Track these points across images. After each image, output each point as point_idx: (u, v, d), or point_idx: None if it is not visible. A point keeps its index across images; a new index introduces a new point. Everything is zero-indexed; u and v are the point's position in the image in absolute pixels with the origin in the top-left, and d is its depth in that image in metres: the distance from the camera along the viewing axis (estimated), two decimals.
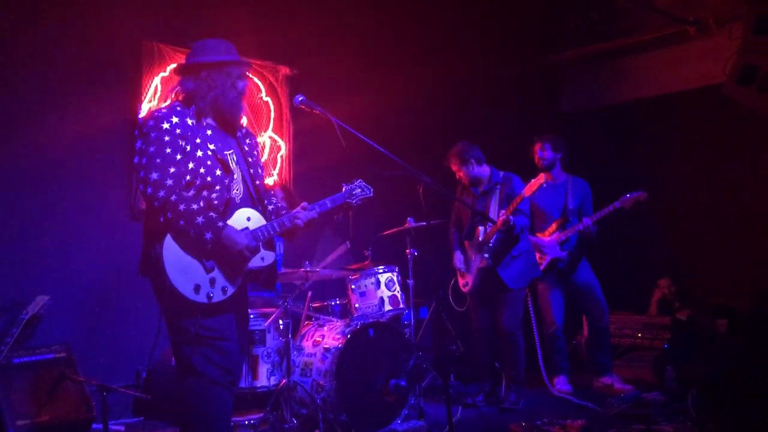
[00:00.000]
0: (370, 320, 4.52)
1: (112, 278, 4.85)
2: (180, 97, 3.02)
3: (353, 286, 4.79)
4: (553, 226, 5.43)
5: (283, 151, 5.95)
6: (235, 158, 3.04)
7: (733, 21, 6.11)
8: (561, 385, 5.37)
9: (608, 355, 5.45)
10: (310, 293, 4.71)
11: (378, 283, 4.75)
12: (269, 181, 5.74)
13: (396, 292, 4.78)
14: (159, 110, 2.94)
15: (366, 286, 4.76)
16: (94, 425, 4.15)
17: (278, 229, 3.04)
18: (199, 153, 2.90)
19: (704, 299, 6.42)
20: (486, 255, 4.88)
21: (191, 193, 2.85)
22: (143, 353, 4.44)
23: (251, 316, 4.24)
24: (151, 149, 2.82)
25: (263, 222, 3.04)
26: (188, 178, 2.85)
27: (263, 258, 3.02)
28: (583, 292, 5.47)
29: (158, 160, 2.81)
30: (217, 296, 2.87)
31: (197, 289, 2.82)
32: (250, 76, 5.66)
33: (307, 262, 4.47)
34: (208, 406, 2.86)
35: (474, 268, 5.00)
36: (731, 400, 4.63)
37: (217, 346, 2.87)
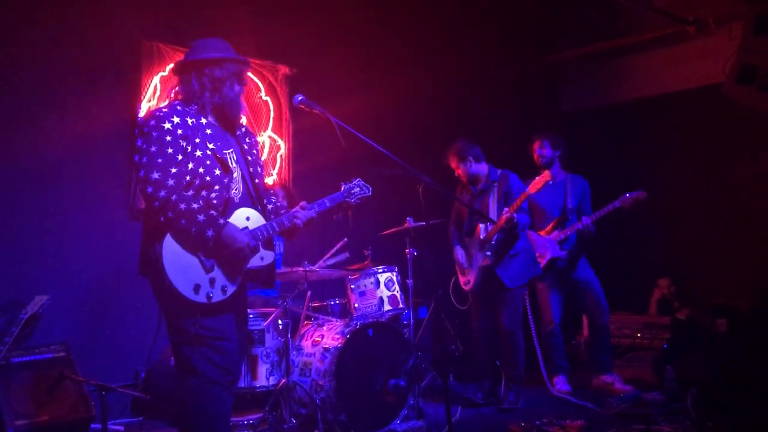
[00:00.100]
0: (370, 320, 4.52)
1: (111, 278, 4.85)
2: (180, 96, 3.02)
3: (352, 286, 4.78)
4: (552, 224, 5.43)
5: (282, 150, 5.95)
6: (234, 157, 3.04)
7: (733, 20, 6.11)
8: (560, 384, 5.37)
9: (609, 354, 5.46)
10: (309, 293, 4.71)
11: (377, 282, 4.75)
12: (269, 180, 5.74)
13: (395, 292, 4.78)
14: (160, 110, 2.94)
15: (365, 285, 4.76)
16: (93, 425, 4.15)
17: (277, 229, 3.04)
18: (199, 153, 2.90)
19: (704, 299, 6.42)
20: (488, 253, 4.88)
21: (190, 192, 2.85)
22: (142, 353, 4.43)
23: (250, 315, 4.24)
24: (153, 149, 2.82)
25: (263, 221, 3.03)
26: (188, 178, 2.85)
27: (263, 257, 3.02)
28: (583, 291, 5.47)
29: (160, 160, 2.81)
30: (217, 296, 2.87)
31: (197, 288, 2.82)
32: (250, 75, 5.68)
33: (306, 262, 4.46)
34: (208, 406, 2.86)
35: (476, 266, 4.99)
36: (731, 399, 4.63)
37: (216, 345, 2.87)
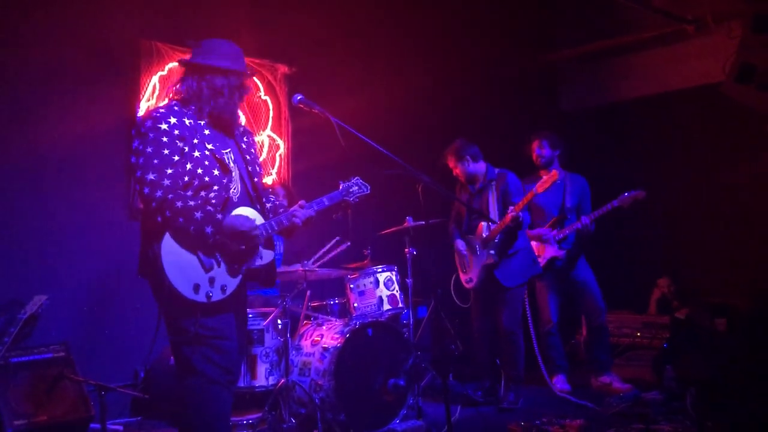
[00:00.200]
0: (369, 319, 4.52)
1: (110, 277, 4.85)
2: (178, 96, 3.01)
3: (352, 286, 4.78)
4: (551, 223, 5.43)
5: (281, 150, 5.94)
6: (232, 157, 3.04)
7: (732, 19, 6.12)
8: (560, 384, 5.37)
9: (607, 353, 5.46)
10: (308, 292, 4.71)
11: (377, 282, 4.75)
12: (268, 180, 5.73)
13: (395, 292, 4.78)
14: (157, 110, 2.93)
15: (365, 285, 4.75)
16: (92, 425, 4.15)
17: (276, 228, 3.04)
18: (197, 153, 2.89)
19: (703, 298, 6.42)
20: (492, 252, 4.89)
21: (189, 193, 2.85)
22: (142, 353, 4.43)
23: (250, 315, 4.24)
24: (149, 149, 2.81)
25: (261, 220, 3.03)
26: (186, 178, 2.85)
27: (262, 256, 3.02)
28: (581, 291, 5.47)
29: (156, 161, 2.80)
30: (217, 295, 2.86)
31: (196, 288, 2.81)
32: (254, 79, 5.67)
33: (305, 261, 4.46)
34: (208, 406, 2.86)
35: (479, 264, 4.99)
36: (730, 399, 4.64)
37: (216, 345, 2.87)
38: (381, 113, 5.97)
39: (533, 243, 5.30)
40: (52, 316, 4.31)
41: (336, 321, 4.69)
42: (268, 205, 3.14)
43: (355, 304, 4.74)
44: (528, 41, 7.35)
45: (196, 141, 2.91)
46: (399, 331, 4.57)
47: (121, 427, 4.46)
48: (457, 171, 5.10)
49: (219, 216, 2.84)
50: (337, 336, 4.36)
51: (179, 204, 2.78)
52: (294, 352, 4.52)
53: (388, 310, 4.71)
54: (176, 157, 2.84)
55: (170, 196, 2.78)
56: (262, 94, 5.82)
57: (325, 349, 4.33)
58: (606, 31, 7.07)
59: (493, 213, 4.92)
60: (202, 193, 2.87)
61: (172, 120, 2.88)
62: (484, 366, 5.20)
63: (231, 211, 2.95)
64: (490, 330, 5.09)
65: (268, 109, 5.87)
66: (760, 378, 4.79)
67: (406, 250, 5.02)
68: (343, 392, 4.16)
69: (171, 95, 3.05)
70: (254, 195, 3.09)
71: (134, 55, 5.11)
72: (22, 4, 4.64)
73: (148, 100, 5.15)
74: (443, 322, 5.67)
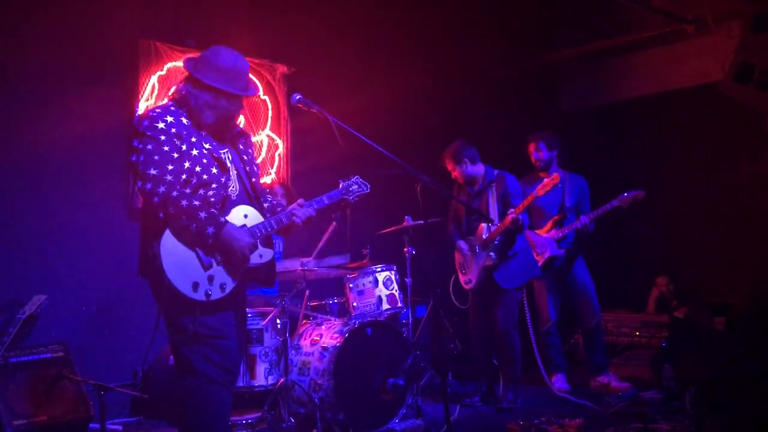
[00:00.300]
0: (368, 319, 4.52)
1: (109, 277, 4.85)
2: (176, 97, 3.01)
3: (351, 285, 4.78)
4: (551, 223, 5.44)
5: (280, 149, 5.95)
6: (230, 157, 3.04)
7: (732, 19, 6.12)
8: (559, 383, 5.37)
9: (602, 355, 5.45)
10: (307, 292, 4.71)
11: (376, 281, 4.75)
12: (267, 179, 5.74)
13: (394, 291, 4.78)
14: (154, 110, 2.94)
15: (364, 284, 4.75)
16: (91, 425, 4.15)
17: (276, 227, 3.04)
18: (195, 151, 2.90)
19: (702, 298, 6.43)
20: (492, 254, 4.89)
21: (188, 191, 2.85)
22: (141, 352, 4.40)
23: (249, 315, 4.24)
24: (149, 147, 2.82)
25: (260, 219, 3.03)
26: (185, 176, 2.85)
27: (261, 255, 3.02)
28: (577, 293, 5.47)
29: (156, 157, 2.80)
30: (216, 294, 2.86)
31: (195, 286, 2.81)
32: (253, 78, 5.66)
33: (303, 260, 4.46)
34: (207, 405, 2.86)
35: (479, 265, 4.99)
36: (729, 398, 4.63)
37: (215, 344, 2.87)
38: (380, 113, 5.97)
39: (532, 242, 5.30)
40: (52, 316, 4.31)
41: (335, 320, 4.69)
42: (266, 205, 3.15)
43: (354, 304, 4.74)
44: (528, 41, 7.35)
45: (193, 139, 2.91)
46: (398, 331, 4.57)
47: (120, 427, 4.46)
48: (456, 174, 5.09)
49: (222, 219, 2.85)
50: (336, 335, 4.36)
51: (184, 202, 2.78)
52: (293, 351, 4.52)
53: (387, 309, 4.71)
54: (175, 154, 2.84)
55: (174, 193, 2.78)
56: (261, 93, 5.82)
57: (325, 349, 4.33)
58: (606, 31, 7.07)
59: (493, 215, 4.91)
60: (201, 192, 2.87)
61: (169, 119, 2.88)
62: (481, 366, 5.20)
63: (230, 210, 2.96)
64: (487, 331, 5.09)
65: (267, 109, 5.88)
66: (759, 377, 4.79)
67: (405, 249, 5.02)
68: (342, 391, 4.16)
69: (169, 95, 3.05)
70: (253, 194, 3.09)
71: (133, 54, 5.12)
72: (22, 4, 4.65)
73: (147, 100, 5.15)
74: (442, 322, 5.67)
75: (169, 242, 2.80)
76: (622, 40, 7.00)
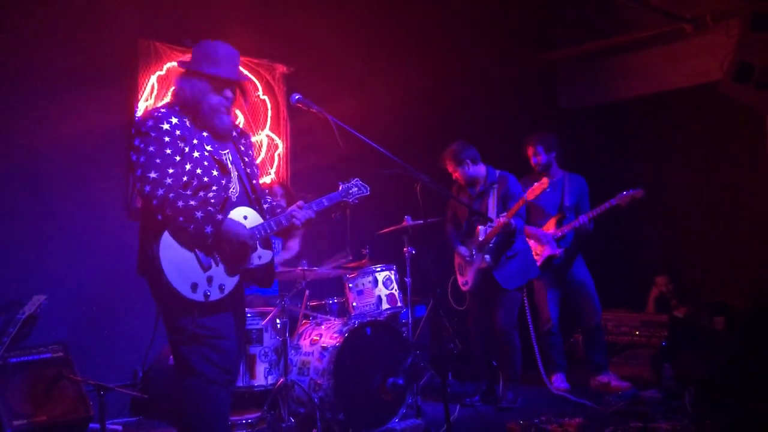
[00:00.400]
0: (368, 319, 4.52)
1: (109, 277, 4.85)
2: (176, 97, 3.01)
3: (351, 285, 4.78)
4: (550, 222, 5.44)
5: (280, 149, 5.95)
6: (230, 158, 3.04)
7: (730, 18, 6.12)
8: (558, 383, 5.38)
9: (602, 354, 5.45)
10: (307, 292, 4.71)
11: (375, 281, 4.74)
12: (267, 179, 5.74)
13: (393, 291, 4.78)
14: (158, 110, 2.93)
15: (363, 284, 4.75)
16: (91, 425, 4.15)
17: (275, 228, 3.04)
18: (196, 154, 2.90)
19: (702, 297, 6.43)
20: (487, 256, 4.88)
21: (188, 192, 2.85)
22: (141, 352, 4.43)
23: (248, 315, 4.24)
24: (151, 148, 2.82)
25: (260, 220, 3.03)
26: (185, 178, 2.85)
27: (260, 256, 3.02)
28: (577, 292, 5.47)
29: (158, 160, 2.80)
30: (215, 294, 2.86)
31: (194, 287, 2.81)
32: (247, 74, 5.67)
33: (304, 261, 4.46)
34: (207, 406, 2.86)
35: (474, 267, 4.99)
36: (728, 397, 4.64)
37: (215, 344, 2.87)
38: (380, 113, 5.97)
39: (531, 242, 5.30)
40: (51, 316, 4.31)
41: (335, 320, 4.69)
42: (266, 206, 3.15)
43: (354, 304, 4.74)
44: (528, 41, 7.35)
45: (195, 142, 2.91)
46: (398, 331, 4.57)
47: (120, 427, 4.46)
48: (457, 175, 5.08)
49: (219, 217, 2.85)
50: (335, 335, 4.36)
51: (180, 203, 2.78)
52: (293, 351, 4.52)
53: (386, 309, 4.72)
54: (178, 157, 2.84)
55: (171, 195, 2.78)
56: (260, 93, 5.82)
57: (324, 349, 4.33)
58: (605, 31, 7.08)
59: (493, 216, 4.91)
60: (201, 193, 2.88)
61: (174, 120, 2.89)
62: (481, 367, 5.21)
63: (230, 211, 2.95)
64: (487, 331, 5.09)
65: (267, 109, 5.87)
66: (759, 377, 4.80)
67: (405, 249, 5.02)
68: (342, 391, 4.16)
69: (171, 98, 3.05)
70: (253, 196, 3.09)
71: (133, 55, 5.11)
72: (22, 5, 4.64)
73: (147, 100, 5.15)
74: (442, 321, 5.67)
75: (168, 243, 2.80)
76: (621, 40, 7.00)
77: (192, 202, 2.81)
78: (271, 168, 5.88)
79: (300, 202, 3.13)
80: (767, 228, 6.28)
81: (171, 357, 3.07)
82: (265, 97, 5.86)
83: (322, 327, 4.59)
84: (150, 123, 2.86)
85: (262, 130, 5.84)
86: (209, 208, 2.84)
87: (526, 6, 7.07)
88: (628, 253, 6.95)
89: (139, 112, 5.01)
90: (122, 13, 5.03)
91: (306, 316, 4.82)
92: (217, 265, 2.89)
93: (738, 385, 4.80)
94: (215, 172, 2.93)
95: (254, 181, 3.11)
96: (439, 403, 4.68)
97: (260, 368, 4.35)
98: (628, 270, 6.79)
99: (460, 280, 5.19)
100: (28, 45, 4.66)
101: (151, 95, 5.17)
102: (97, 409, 3.86)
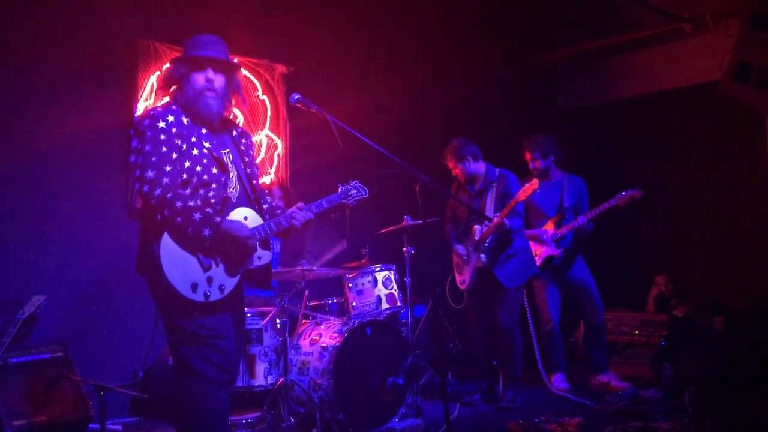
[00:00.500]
0: (368, 318, 4.52)
1: (109, 277, 4.85)
2: (173, 94, 3.03)
3: (350, 285, 4.79)
4: (549, 223, 5.44)
5: (279, 149, 5.95)
6: (231, 157, 3.04)
7: (730, 17, 6.12)
8: (558, 382, 5.38)
9: (603, 353, 5.46)
10: (307, 292, 4.71)
11: (375, 281, 4.75)
12: (266, 179, 5.74)
13: (393, 291, 4.78)
14: (154, 109, 2.94)
15: (363, 284, 4.76)
16: (91, 425, 4.15)
17: (275, 229, 3.04)
18: (195, 151, 2.90)
19: (701, 297, 6.43)
20: (483, 255, 4.88)
21: (188, 191, 2.85)
22: (140, 352, 4.43)
23: (248, 315, 4.24)
24: (147, 147, 2.82)
25: (260, 221, 3.04)
26: (185, 176, 2.85)
27: (260, 257, 3.02)
28: (579, 291, 5.47)
29: (154, 159, 2.81)
30: (215, 295, 2.87)
31: (194, 287, 2.81)
32: (247, 74, 5.67)
33: (303, 261, 4.46)
34: (206, 406, 2.86)
35: (470, 266, 5.00)
36: (728, 397, 4.65)
37: (214, 344, 2.87)
38: (380, 113, 5.97)
39: (530, 242, 5.30)
40: (51, 316, 4.32)
41: (334, 320, 4.69)
42: (265, 207, 3.15)
43: (354, 303, 4.74)
44: (528, 41, 7.34)
45: (194, 139, 2.91)
46: (397, 330, 4.57)
47: (120, 427, 4.46)
48: (457, 171, 5.09)
49: (218, 219, 2.85)
50: (335, 335, 4.36)
51: (178, 204, 2.78)
52: (292, 351, 4.52)
53: (386, 309, 4.72)
54: (174, 155, 2.85)
55: (169, 195, 2.78)
56: (260, 93, 5.83)
57: (324, 348, 4.34)
58: (605, 31, 7.07)
59: (490, 214, 4.91)
60: (201, 191, 2.88)
61: (170, 118, 2.89)
62: (481, 365, 5.21)
63: (230, 211, 2.96)
64: (488, 329, 5.09)
65: (266, 109, 5.88)
66: (759, 377, 4.80)
67: (405, 249, 5.03)
68: (341, 391, 4.16)
69: (169, 97, 3.06)
70: (253, 196, 3.09)
71: (132, 54, 5.12)
72: (22, 5, 4.65)
73: (146, 100, 5.15)
74: (441, 321, 5.67)
75: (168, 243, 2.81)
76: (621, 40, 7.00)
77: (190, 203, 2.81)
78: (271, 168, 5.88)
79: (300, 204, 3.13)
80: (767, 228, 6.27)
81: (171, 357, 3.07)
82: (265, 97, 5.86)
83: (322, 327, 4.59)
84: (146, 122, 2.87)
85: (262, 130, 5.84)
86: (208, 209, 2.84)
87: (526, 6, 7.07)
88: (628, 253, 6.94)
89: (139, 112, 5.01)
90: (122, 13, 5.03)
91: (306, 316, 4.82)
92: (218, 266, 2.89)
93: (738, 385, 4.80)
94: (214, 170, 2.93)
95: (254, 182, 3.11)
96: (438, 403, 4.68)
97: (260, 368, 4.35)
98: (627, 270, 6.78)
99: (458, 278, 5.19)
100: (28, 45, 4.66)
101: (150, 95, 5.17)
102: (96, 409, 3.86)
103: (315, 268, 4.50)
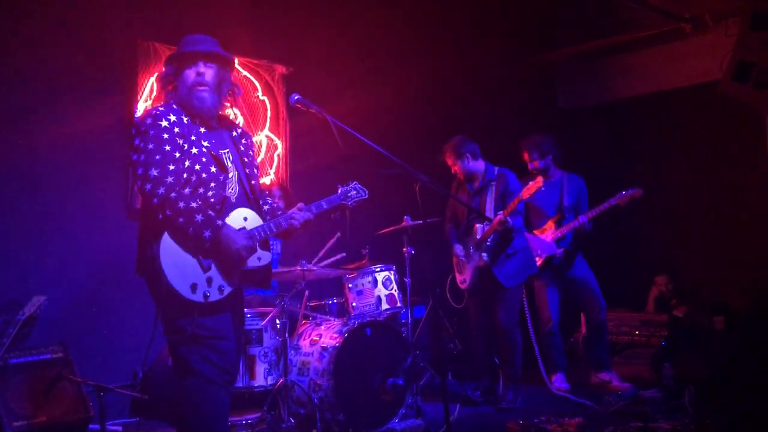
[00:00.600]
0: (368, 319, 4.52)
1: (109, 278, 4.85)
2: (173, 94, 3.03)
3: (350, 285, 4.79)
4: (549, 223, 5.44)
5: (279, 150, 5.95)
6: (231, 157, 3.04)
7: (730, 17, 6.12)
8: (559, 382, 5.38)
9: (606, 351, 5.46)
10: (307, 292, 4.71)
11: (375, 281, 4.75)
12: (266, 180, 5.74)
13: (393, 291, 4.78)
14: (156, 108, 2.95)
15: (363, 284, 4.76)
16: (91, 426, 4.15)
17: (275, 230, 3.04)
18: (195, 150, 2.90)
19: (701, 297, 6.43)
20: (484, 254, 4.88)
21: (187, 190, 2.85)
22: (140, 353, 4.41)
23: (248, 315, 4.24)
24: (150, 146, 2.82)
25: (260, 222, 3.04)
26: (185, 175, 2.86)
27: (260, 258, 3.02)
28: (580, 289, 5.48)
29: (158, 157, 2.81)
30: (214, 295, 2.87)
31: (194, 288, 2.82)
32: (246, 74, 5.67)
33: (303, 261, 4.46)
34: (206, 406, 2.86)
35: (472, 266, 5.00)
36: (728, 397, 4.65)
37: (214, 345, 2.87)
38: (380, 113, 5.97)
39: (530, 242, 5.30)
40: (51, 317, 4.31)
41: (334, 320, 4.69)
42: (265, 207, 3.15)
43: (354, 304, 4.74)
44: (528, 41, 7.34)
45: (193, 138, 2.92)
46: (397, 331, 4.57)
47: (120, 428, 4.46)
48: (456, 168, 5.09)
49: (219, 222, 2.85)
50: (335, 335, 4.36)
51: (181, 204, 2.78)
52: (292, 351, 4.52)
53: (386, 309, 4.72)
54: (177, 154, 2.85)
55: (173, 194, 2.78)
56: (259, 94, 5.83)
57: (324, 349, 4.33)
58: (605, 31, 7.07)
59: (490, 213, 4.91)
60: (200, 190, 2.88)
61: (172, 117, 2.89)
62: (482, 365, 5.21)
63: (230, 212, 2.96)
64: (488, 329, 5.09)
65: (266, 109, 5.88)
66: (759, 377, 4.80)
67: (405, 249, 5.02)
68: (341, 392, 4.16)
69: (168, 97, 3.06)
70: (252, 197, 3.09)
71: (132, 55, 5.12)
72: (21, 5, 4.65)
73: (146, 101, 5.15)
74: (441, 321, 5.67)
75: (168, 243, 2.81)
76: (621, 40, 7.00)
77: (193, 204, 2.81)
78: (271, 168, 5.88)
79: (300, 204, 3.14)
80: (767, 228, 6.27)
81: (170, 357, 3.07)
82: (265, 98, 5.86)
83: (322, 327, 4.59)
84: (149, 121, 2.87)
85: (262, 130, 5.84)
86: (209, 211, 2.84)
87: (525, 6, 7.07)
88: (628, 253, 6.94)
89: (139, 113, 5.01)
90: (122, 14, 5.03)
91: (306, 317, 4.82)
92: (217, 267, 2.89)
93: (738, 385, 4.80)
94: (213, 169, 2.93)
95: (253, 182, 3.11)
96: (439, 404, 4.67)
97: (260, 369, 4.35)
98: (627, 270, 6.78)
99: (459, 278, 5.19)
100: (28, 45, 4.66)
101: (150, 96, 5.17)
102: (96, 410, 3.86)
103: (314, 267, 4.50)
